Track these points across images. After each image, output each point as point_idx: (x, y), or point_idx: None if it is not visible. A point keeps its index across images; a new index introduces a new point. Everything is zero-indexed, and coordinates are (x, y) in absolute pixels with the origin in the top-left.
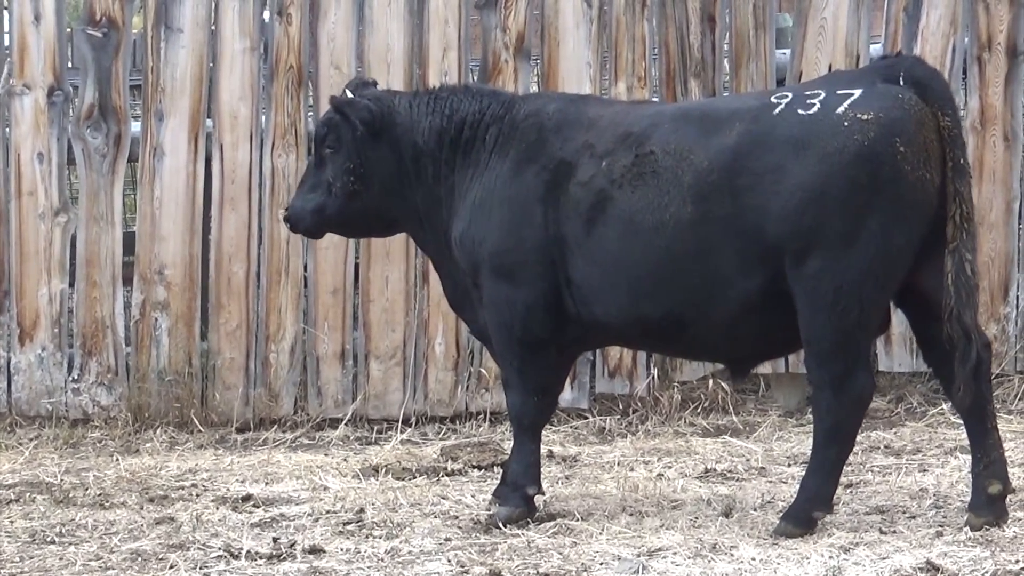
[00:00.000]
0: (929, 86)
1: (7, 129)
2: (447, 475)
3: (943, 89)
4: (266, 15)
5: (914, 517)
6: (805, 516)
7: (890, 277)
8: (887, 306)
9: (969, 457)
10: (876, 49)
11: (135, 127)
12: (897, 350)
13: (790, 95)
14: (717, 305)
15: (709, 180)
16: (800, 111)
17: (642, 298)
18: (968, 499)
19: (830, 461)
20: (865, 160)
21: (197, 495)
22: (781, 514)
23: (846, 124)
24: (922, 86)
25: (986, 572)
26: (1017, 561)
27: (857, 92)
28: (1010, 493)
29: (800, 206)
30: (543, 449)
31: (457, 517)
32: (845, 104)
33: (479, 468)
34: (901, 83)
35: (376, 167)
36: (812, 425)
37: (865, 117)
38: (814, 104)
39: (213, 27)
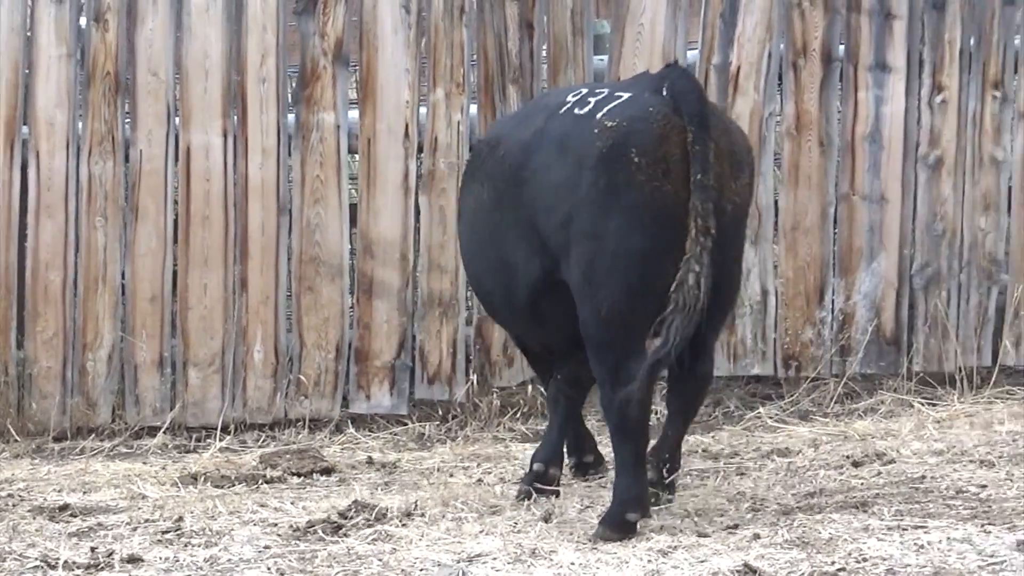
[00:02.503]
0: (683, 100)
1: None
2: (266, 483)
3: (694, 105)
4: (83, 21)
5: (732, 520)
6: (620, 520)
7: (641, 279)
8: (653, 308)
9: (787, 459)
10: (693, 55)
11: None
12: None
13: (583, 93)
14: (515, 289)
15: (506, 170)
16: (576, 111)
17: (473, 279)
18: (785, 501)
19: (629, 460)
20: (603, 165)
21: (13, 505)
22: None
23: (596, 130)
24: (678, 100)
25: (803, 573)
26: (833, 563)
27: (623, 98)
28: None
29: (556, 203)
30: (362, 456)
31: (276, 525)
32: (605, 109)
33: (298, 475)
34: (664, 94)
35: None
36: None
37: (611, 124)
38: (588, 105)
39: (29, 33)
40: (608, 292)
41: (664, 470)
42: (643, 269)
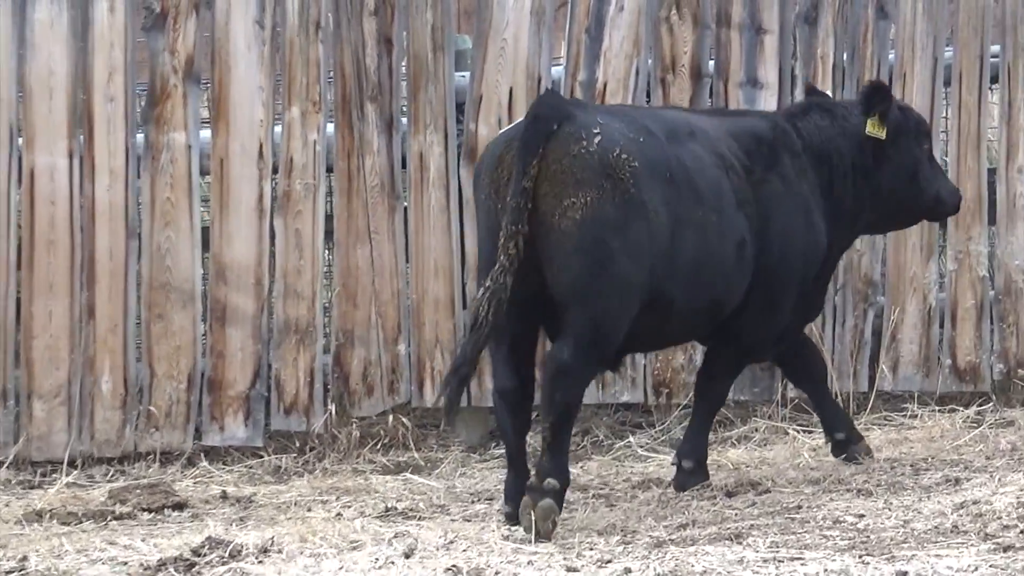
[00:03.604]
0: (523, 124)
1: None
2: (115, 519)
3: (523, 128)
4: None
5: (602, 554)
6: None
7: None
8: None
9: (659, 490)
10: (557, 71)
11: None
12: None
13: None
14: None
15: None
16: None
17: None
18: (657, 533)
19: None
20: (472, 183)
21: None
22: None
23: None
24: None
25: None
26: None
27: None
28: None
29: None
30: (216, 490)
31: (127, 563)
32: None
33: (149, 511)
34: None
35: None
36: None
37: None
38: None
39: None
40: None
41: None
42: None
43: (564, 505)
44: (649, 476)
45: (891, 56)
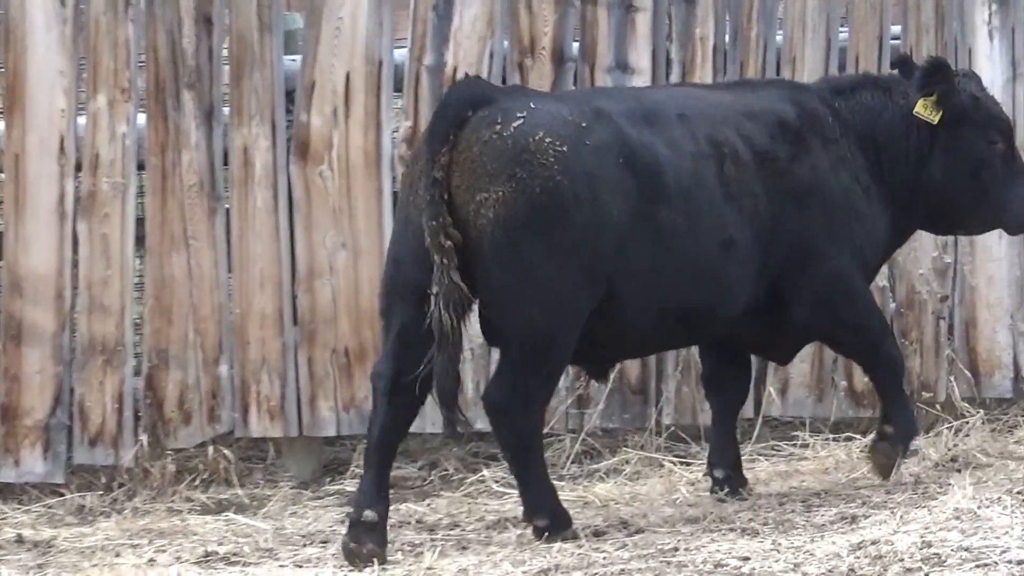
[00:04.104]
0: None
1: None
2: None
3: (431, 120)
4: None
5: None
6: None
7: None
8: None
9: (516, 530)
10: (402, 54)
11: None
12: (429, 410)
13: None
14: None
15: None
16: None
17: None
18: None
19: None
20: None
21: None
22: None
23: None
24: None
25: None
26: None
27: None
28: None
29: None
30: (10, 533)
31: None
32: None
33: None
34: None
35: None
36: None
37: None
38: None
39: None
40: None
41: None
42: None
43: (410, 548)
44: (505, 514)
45: (779, 37)
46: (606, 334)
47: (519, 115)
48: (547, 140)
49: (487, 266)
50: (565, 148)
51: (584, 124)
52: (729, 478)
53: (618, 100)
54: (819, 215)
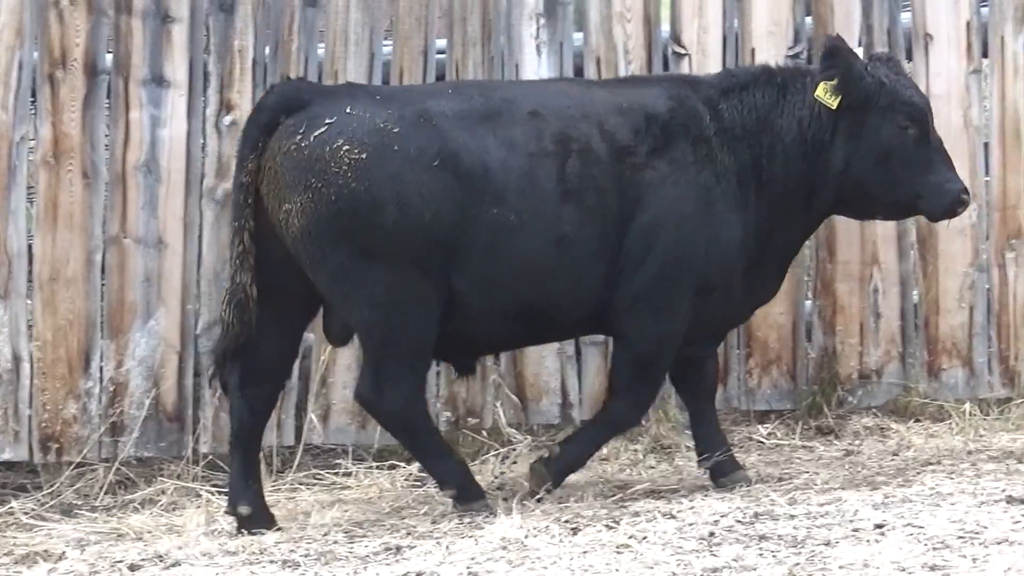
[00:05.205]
0: None
1: None
2: None
3: (245, 123)
4: None
5: None
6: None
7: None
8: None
9: (49, 564)
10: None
11: None
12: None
13: None
14: None
15: None
16: None
17: None
18: None
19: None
20: None
21: None
22: None
23: None
24: None
25: None
26: None
27: None
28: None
29: None
30: None
31: None
32: None
33: None
34: None
35: None
36: None
37: None
38: None
39: None
40: None
41: None
42: None
43: None
44: (35, 548)
45: (320, 50)
46: (457, 332)
47: (326, 122)
48: (344, 148)
49: (310, 272)
50: (364, 155)
51: (397, 129)
52: (720, 464)
53: (459, 99)
54: (668, 216)
